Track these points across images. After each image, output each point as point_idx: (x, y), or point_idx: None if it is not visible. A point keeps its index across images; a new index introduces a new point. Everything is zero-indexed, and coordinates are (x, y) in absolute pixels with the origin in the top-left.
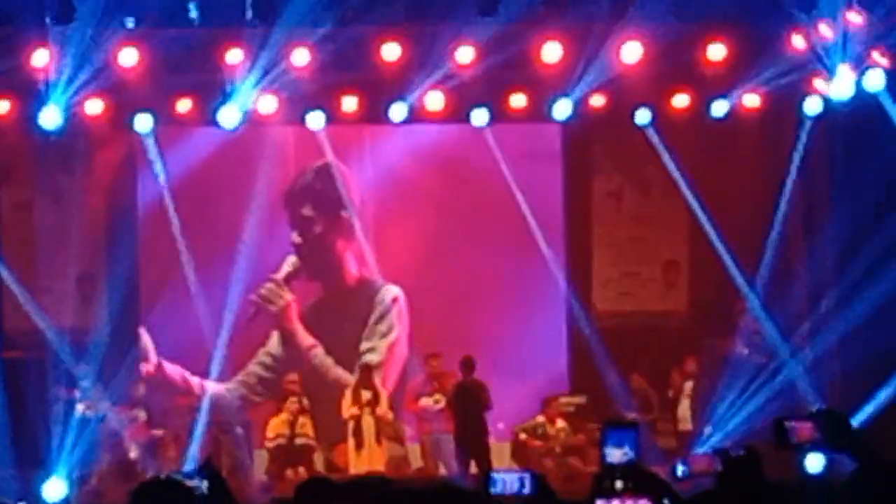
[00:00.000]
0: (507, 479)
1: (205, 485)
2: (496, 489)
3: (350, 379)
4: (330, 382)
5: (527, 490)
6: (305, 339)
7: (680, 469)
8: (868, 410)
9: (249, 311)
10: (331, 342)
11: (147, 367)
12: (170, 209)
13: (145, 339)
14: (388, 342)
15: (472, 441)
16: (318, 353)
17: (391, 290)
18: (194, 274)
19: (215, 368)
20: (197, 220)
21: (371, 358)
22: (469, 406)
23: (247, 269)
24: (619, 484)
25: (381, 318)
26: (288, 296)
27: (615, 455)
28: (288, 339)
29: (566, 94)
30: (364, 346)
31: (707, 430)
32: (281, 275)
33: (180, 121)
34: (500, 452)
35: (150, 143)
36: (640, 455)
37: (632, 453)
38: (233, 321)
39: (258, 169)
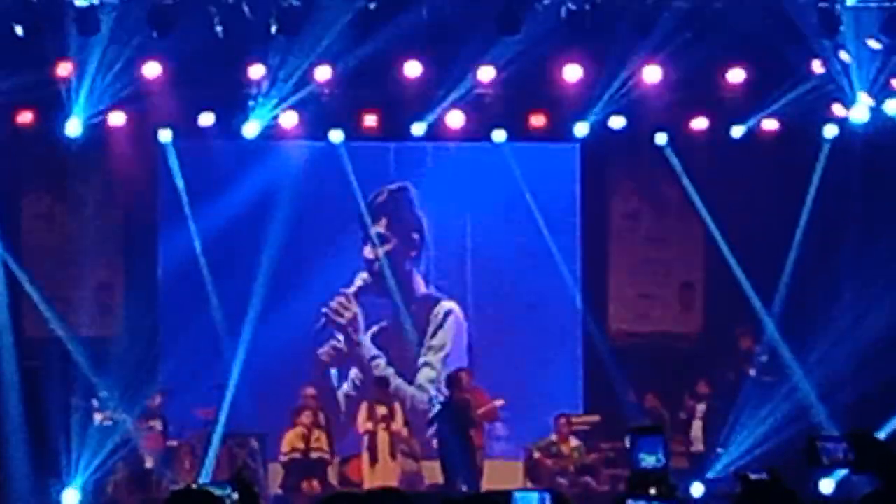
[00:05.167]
0: (528, 498)
1: (235, 496)
2: None
3: (410, 391)
4: (391, 393)
5: None
6: (370, 350)
7: (697, 490)
8: (881, 435)
9: (319, 321)
10: (393, 355)
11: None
12: (190, 223)
13: None
14: (440, 356)
15: (459, 461)
16: (381, 363)
17: (445, 305)
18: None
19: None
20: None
21: (427, 373)
22: (454, 425)
23: (317, 284)
24: (652, 490)
25: (435, 332)
26: (355, 308)
27: (650, 461)
28: (353, 349)
29: (585, 115)
30: (421, 360)
31: (719, 451)
32: (352, 289)
33: (202, 134)
34: (513, 471)
35: (171, 154)
36: (669, 460)
37: (664, 459)
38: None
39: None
